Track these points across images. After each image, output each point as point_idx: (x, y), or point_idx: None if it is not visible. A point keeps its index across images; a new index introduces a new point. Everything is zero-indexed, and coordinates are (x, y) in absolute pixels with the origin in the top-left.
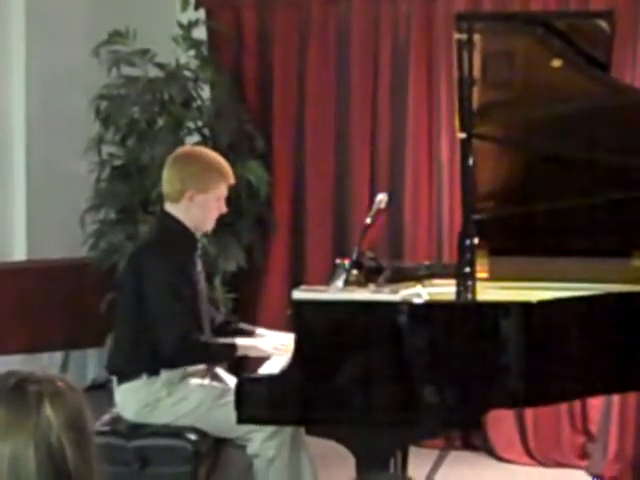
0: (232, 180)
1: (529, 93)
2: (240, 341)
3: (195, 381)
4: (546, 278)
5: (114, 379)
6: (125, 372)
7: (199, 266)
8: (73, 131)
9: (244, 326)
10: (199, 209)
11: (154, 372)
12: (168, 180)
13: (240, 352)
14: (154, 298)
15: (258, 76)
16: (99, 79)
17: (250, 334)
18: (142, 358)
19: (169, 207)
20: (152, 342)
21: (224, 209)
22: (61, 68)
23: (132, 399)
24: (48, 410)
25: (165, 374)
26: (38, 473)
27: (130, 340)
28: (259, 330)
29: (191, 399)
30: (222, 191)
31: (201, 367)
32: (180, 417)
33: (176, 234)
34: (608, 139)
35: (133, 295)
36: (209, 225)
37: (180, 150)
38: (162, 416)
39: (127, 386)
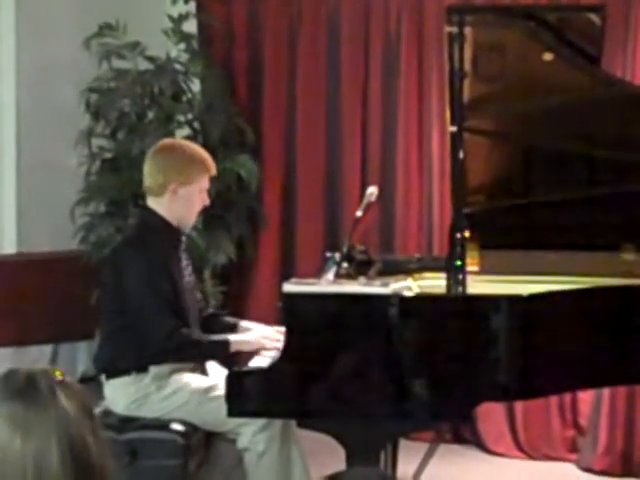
0: (214, 171)
1: (520, 86)
2: (233, 337)
3: (184, 375)
4: (536, 272)
5: (102, 375)
6: (113, 369)
7: (184, 261)
8: (63, 124)
9: (229, 319)
10: (182, 202)
11: (142, 369)
12: (149, 173)
13: (233, 348)
14: (135, 296)
15: (248, 69)
16: (89, 72)
17: (233, 327)
18: (129, 355)
19: (151, 202)
20: (138, 339)
21: (207, 201)
22: (51, 61)
23: (121, 394)
24: (63, 401)
25: (154, 369)
26: (61, 467)
27: (116, 337)
28: (243, 323)
29: (181, 394)
30: (205, 183)
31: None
32: (170, 411)
33: (157, 229)
34: (599, 132)
35: (115, 292)
36: (192, 219)
37: (160, 143)
38: (152, 411)
39: (116, 382)
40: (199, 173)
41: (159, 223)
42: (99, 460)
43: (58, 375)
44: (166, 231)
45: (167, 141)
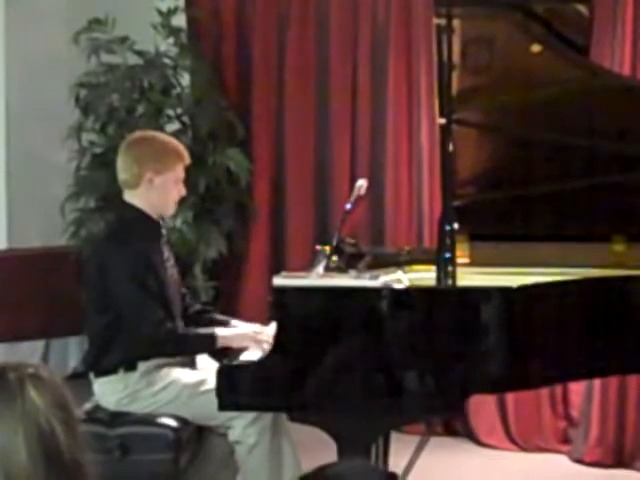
0: (188, 160)
1: (508, 78)
2: (220, 331)
3: (174, 370)
4: (526, 263)
5: (91, 373)
6: (100, 367)
7: (166, 253)
8: (53, 119)
9: (219, 317)
10: (159, 192)
11: (130, 366)
12: (124, 167)
13: (220, 343)
14: (120, 291)
15: (237, 63)
16: (78, 67)
17: (224, 325)
18: (116, 353)
19: (128, 196)
20: (124, 336)
21: (183, 192)
22: (40, 56)
23: (110, 392)
24: (32, 393)
25: (142, 366)
26: (30, 460)
27: (102, 335)
28: (234, 322)
29: (171, 388)
30: (180, 172)
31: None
32: (161, 407)
33: (136, 223)
34: (588, 123)
35: (98, 290)
36: (170, 209)
37: (132, 136)
38: (142, 406)
39: (104, 379)
40: (173, 161)
41: (138, 216)
42: (71, 452)
43: (35, 368)
44: (145, 223)
45: (138, 133)
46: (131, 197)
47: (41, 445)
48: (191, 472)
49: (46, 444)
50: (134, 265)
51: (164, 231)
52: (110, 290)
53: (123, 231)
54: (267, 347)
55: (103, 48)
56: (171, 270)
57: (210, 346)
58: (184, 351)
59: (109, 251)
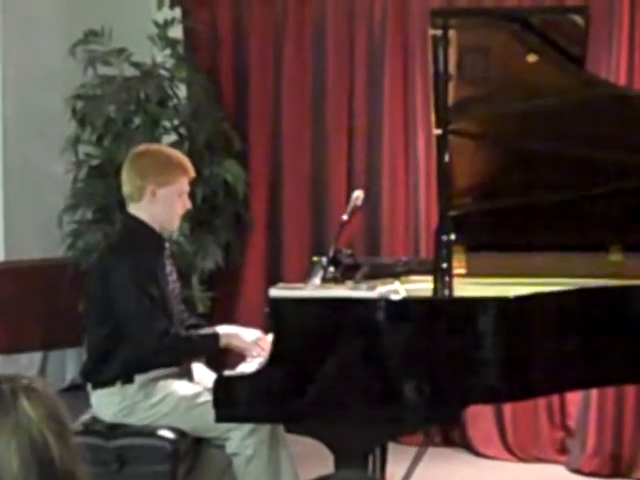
0: (192, 174)
1: (505, 89)
2: (222, 329)
3: (171, 382)
4: (524, 274)
5: (88, 385)
6: (98, 379)
7: (168, 267)
8: (49, 131)
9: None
10: (162, 205)
11: (128, 379)
12: (127, 179)
13: (223, 341)
14: (123, 301)
15: (234, 74)
16: (75, 78)
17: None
18: (115, 364)
19: (132, 209)
20: (125, 347)
21: (188, 205)
22: (37, 68)
23: (108, 404)
24: (25, 404)
25: (139, 378)
26: (22, 471)
27: (101, 346)
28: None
29: (168, 400)
30: (184, 185)
31: (175, 369)
32: (158, 419)
33: (140, 236)
34: (584, 134)
35: (101, 300)
36: (174, 223)
37: (136, 149)
38: (140, 419)
39: (102, 392)
40: (177, 174)
41: (141, 228)
42: (64, 464)
43: (29, 380)
44: (149, 236)
45: (143, 146)
46: (135, 210)
47: (34, 456)
48: None
49: (39, 455)
50: (136, 274)
51: (167, 245)
52: (112, 300)
53: (125, 242)
54: (264, 356)
55: (99, 60)
56: (173, 285)
57: (214, 345)
58: (189, 353)
59: (111, 261)
